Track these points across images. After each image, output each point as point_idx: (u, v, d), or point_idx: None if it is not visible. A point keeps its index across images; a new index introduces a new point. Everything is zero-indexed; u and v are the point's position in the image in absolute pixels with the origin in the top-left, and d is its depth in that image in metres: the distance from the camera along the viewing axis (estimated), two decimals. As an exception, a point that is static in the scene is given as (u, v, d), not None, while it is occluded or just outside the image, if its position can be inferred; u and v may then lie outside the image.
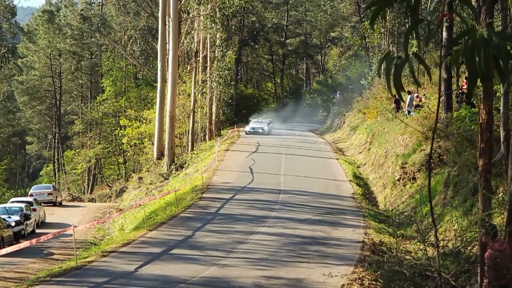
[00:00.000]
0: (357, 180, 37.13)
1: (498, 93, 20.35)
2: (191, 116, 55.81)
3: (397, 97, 30.73)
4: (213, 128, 63.41)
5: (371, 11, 4.39)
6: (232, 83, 71.71)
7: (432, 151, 29.81)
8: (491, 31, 3.82)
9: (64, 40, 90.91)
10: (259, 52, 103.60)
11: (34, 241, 21.64)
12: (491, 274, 11.65)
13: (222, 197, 31.60)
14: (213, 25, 53.30)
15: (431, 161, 29.62)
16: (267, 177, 36.82)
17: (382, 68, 4.58)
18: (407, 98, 39.66)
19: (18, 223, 33.15)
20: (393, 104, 43.74)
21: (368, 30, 57.14)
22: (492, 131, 13.41)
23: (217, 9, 53.32)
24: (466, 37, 3.93)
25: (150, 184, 46.31)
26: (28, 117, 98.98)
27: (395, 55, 4.38)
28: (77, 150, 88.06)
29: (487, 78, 3.83)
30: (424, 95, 39.84)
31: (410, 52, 4.32)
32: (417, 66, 29.49)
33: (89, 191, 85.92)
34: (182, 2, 50.76)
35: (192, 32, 57.11)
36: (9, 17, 64.03)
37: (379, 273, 16.25)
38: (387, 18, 53.08)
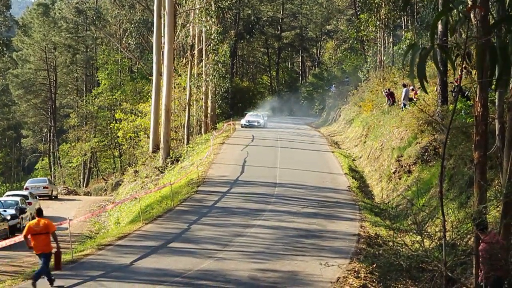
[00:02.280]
0: (353, 173, 37.13)
1: (492, 86, 20.33)
2: (187, 110, 55.73)
3: (391, 90, 30.59)
4: (209, 122, 63.38)
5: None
6: (227, 76, 71.62)
7: (429, 144, 29.87)
8: None
9: (59, 33, 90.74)
10: (255, 45, 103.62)
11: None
12: (486, 266, 11.70)
13: (218, 190, 31.57)
14: (208, 18, 53.21)
15: (427, 153, 29.66)
16: (263, 170, 36.81)
17: (407, 57, 4.57)
18: (402, 91, 39.69)
19: (13, 216, 33.07)
20: (386, 98, 43.75)
21: (363, 23, 57.07)
22: (487, 124, 13.42)
23: (212, 2, 53.22)
24: (504, 25, 3.90)
25: (146, 177, 46.24)
26: (23, 110, 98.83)
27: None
28: (72, 144, 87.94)
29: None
30: (419, 87, 39.82)
31: (435, 43, 4.31)
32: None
33: (84, 185, 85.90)
34: (177, -5, 50.63)
35: (188, 25, 57.00)
36: (4, 10, 63.95)
37: (375, 265, 16.28)
38: (382, 11, 53.06)
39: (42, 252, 17.23)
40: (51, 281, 16.86)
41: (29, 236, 17.36)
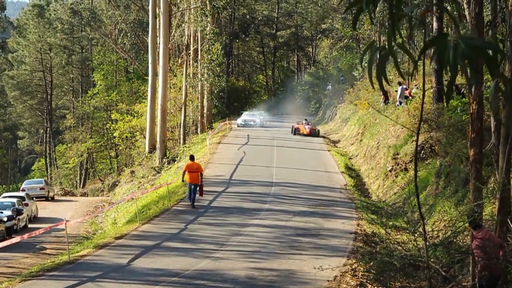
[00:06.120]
0: (349, 172, 37.17)
1: (488, 83, 20.38)
2: (183, 109, 55.75)
3: (381, 89, 30.67)
4: (205, 121, 63.37)
5: (352, 12, 4.34)
6: (222, 75, 71.57)
7: (425, 142, 29.90)
8: (460, 39, 3.89)
9: (54, 34, 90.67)
10: (250, 44, 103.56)
11: (26, 235, 21.62)
12: (480, 264, 11.67)
13: (214, 190, 31.57)
14: (203, 17, 53.22)
15: (423, 151, 29.70)
16: (259, 169, 36.83)
17: (365, 58, 4.49)
18: (398, 88, 39.73)
19: (10, 218, 33.05)
20: (382, 96, 43.75)
21: (359, 22, 57.10)
22: (482, 121, 13.47)
23: (207, 2, 53.23)
24: (437, 43, 4.01)
25: (142, 177, 46.25)
26: (19, 111, 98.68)
27: (381, 45, 4.33)
28: (69, 145, 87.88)
29: (455, 75, 3.99)
30: (415, 85, 39.85)
31: (395, 43, 4.29)
32: (408, 58, 29.47)
33: (81, 186, 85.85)
34: (172, -5, 50.62)
35: (183, 25, 57.01)
36: (-1, 11, 63.78)
37: (371, 264, 16.30)
38: (376, 9, 53.10)
39: (194, 183, 26.92)
40: (193, 203, 27.02)
41: (186, 172, 27.36)
